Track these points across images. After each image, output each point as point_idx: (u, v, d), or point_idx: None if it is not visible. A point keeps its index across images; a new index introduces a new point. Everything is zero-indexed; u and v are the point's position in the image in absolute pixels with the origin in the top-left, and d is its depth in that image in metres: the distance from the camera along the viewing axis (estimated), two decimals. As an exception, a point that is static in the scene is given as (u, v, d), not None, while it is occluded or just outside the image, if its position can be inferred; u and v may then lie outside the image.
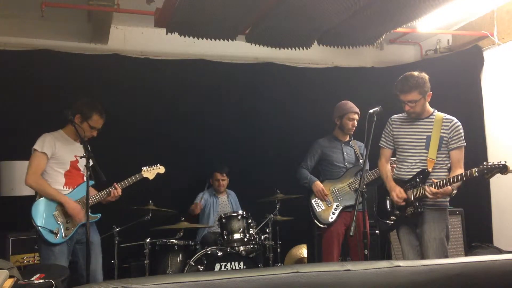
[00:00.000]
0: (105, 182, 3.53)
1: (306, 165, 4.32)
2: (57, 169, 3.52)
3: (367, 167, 4.13)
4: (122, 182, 3.71)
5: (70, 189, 3.55)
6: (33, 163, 3.46)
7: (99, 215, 3.66)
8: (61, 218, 3.45)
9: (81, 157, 3.44)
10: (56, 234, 3.39)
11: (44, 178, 3.49)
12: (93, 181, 3.54)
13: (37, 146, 3.47)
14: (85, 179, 3.59)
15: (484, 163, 3.11)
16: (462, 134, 3.37)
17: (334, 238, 4.09)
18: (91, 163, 3.30)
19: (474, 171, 3.10)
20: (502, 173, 3.07)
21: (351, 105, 4.24)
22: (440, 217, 3.37)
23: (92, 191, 3.62)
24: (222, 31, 3.77)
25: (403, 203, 3.40)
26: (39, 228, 3.36)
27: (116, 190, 3.65)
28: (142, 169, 3.86)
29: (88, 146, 3.43)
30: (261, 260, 4.62)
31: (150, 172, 3.89)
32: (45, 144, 3.47)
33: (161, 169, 3.96)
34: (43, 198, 3.44)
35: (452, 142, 3.36)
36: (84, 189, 3.51)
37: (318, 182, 4.20)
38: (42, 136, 3.52)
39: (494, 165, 3.06)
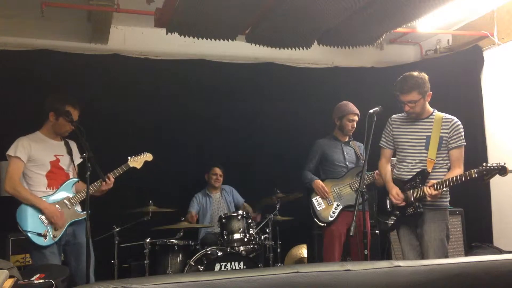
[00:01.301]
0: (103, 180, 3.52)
1: (309, 168, 4.32)
2: (37, 171, 3.44)
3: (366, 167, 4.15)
4: (108, 174, 3.61)
5: (54, 190, 3.48)
6: (8, 169, 3.41)
7: (89, 212, 3.57)
8: (48, 220, 3.38)
9: (81, 157, 3.43)
10: (45, 236, 3.33)
11: (27, 182, 3.43)
12: (77, 178, 3.54)
13: (10, 151, 3.41)
14: (71, 176, 3.59)
15: (484, 165, 3.11)
16: (462, 133, 3.37)
17: (335, 238, 4.09)
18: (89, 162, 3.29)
19: (473, 173, 3.10)
20: (501, 175, 3.06)
21: (351, 106, 4.25)
22: (441, 217, 3.37)
23: (81, 186, 3.58)
24: (222, 31, 3.77)
25: (403, 203, 3.41)
26: (27, 233, 3.30)
27: (108, 179, 3.56)
28: (128, 159, 3.76)
29: (63, 143, 3.42)
30: (261, 260, 4.62)
31: (137, 161, 3.79)
32: (18, 148, 3.40)
33: (148, 157, 3.87)
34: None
35: (452, 141, 3.36)
36: (68, 188, 3.52)
37: (318, 180, 4.20)
38: (16, 140, 3.46)
39: (493, 166, 3.06)
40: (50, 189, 3.47)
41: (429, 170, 3.34)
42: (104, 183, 3.53)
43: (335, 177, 4.23)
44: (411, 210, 3.37)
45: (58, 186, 3.50)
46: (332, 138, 4.34)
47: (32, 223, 3.33)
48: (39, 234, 3.32)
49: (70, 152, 3.62)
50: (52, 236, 3.36)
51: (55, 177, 3.50)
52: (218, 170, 5.09)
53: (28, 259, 4.22)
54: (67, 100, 3.52)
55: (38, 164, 3.45)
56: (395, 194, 3.44)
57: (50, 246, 3.35)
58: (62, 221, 3.41)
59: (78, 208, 3.54)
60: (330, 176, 4.26)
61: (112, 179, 3.60)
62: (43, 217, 3.37)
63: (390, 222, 3.55)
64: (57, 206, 3.43)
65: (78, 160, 3.65)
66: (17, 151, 3.40)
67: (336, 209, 4.13)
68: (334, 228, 4.10)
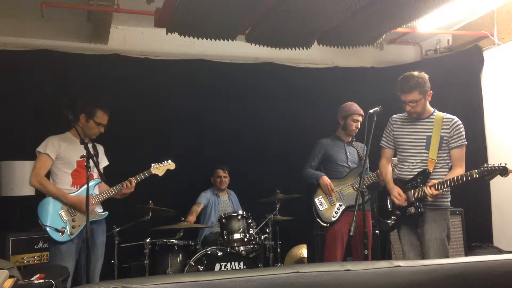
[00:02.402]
0: (105, 182, 3.54)
1: (310, 166, 4.31)
2: (64, 169, 3.57)
3: (367, 166, 4.14)
4: (130, 178, 3.68)
5: (78, 188, 3.59)
6: (36, 165, 3.54)
7: (106, 213, 3.68)
8: (67, 216, 3.48)
9: (81, 157, 3.44)
10: (62, 232, 3.41)
11: (53, 179, 3.55)
12: (100, 179, 3.62)
13: (40, 148, 3.54)
14: (95, 177, 3.65)
15: (485, 165, 3.11)
16: (463, 133, 3.38)
17: (337, 238, 4.08)
18: (91, 163, 3.30)
19: (475, 173, 3.10)
20: (502, 175, 3.06)
21: (356, 106, 4.26)
22: (441, 217, 3.37)
23: (104, 187, 3.66)
24: (222, 31, 3.77)
25: (405, 203, 3.41)
26: (46, 227, 3.39)
27: (130, 183, 3.64)
28: (151, 166, 3.82)
29: (89, 146, 3.43)
30: (261, 260, 4.62)
31: (159, 169, 3.85)
32: (48, 146, 3.53)
33: (171, 165, 3.90)
34: (50, 197, 3.48)
35: (453, 141, 3.37)
36: (91, 187, 3.53)
37: (326, 176, 4.18)
38: (46, 138, 3.58)
39: (495, 167, 3.06)
40: (74, 187, 3.58)
41: (430, 170, 3.34)
42: (125, 184, 3.62)
43: (338, 177, 4.22)
44: (412, 210, 3.37)
45: (81, 185, 3.58)
46: (334, 138, 4.34)
47: (52, 218, 3.43)
48: (56, 230, 3.40)
49: (96, 155, 3.67)
50: (69, 233, 3.44)
51: (80, 176, 3.58)
52: (221, 172, 5.08)
53: (28, 259, 4.24)
54: (98, 103, 3.66)
55: (65, 162, 3.56)
56: (397, 194, 3.44)
57: (66, 243, 3.43)
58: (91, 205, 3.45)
59: (98, 209, 3.64)
60: (332, 176, 4.24)
61: (134, 183, 3.67)
62: (63, 213, 3.46)
63: (390, 222, 3.55)
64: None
65: (104, 163, 3.79)
66: (47, 148, 3.52)
67: (338, 209, 4.12)
68: (337, 228, 4.09)
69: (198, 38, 3.79)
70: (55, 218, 3.44)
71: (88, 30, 5.01)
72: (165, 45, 5.16)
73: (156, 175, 3.83)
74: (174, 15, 3.44)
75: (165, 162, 3.89)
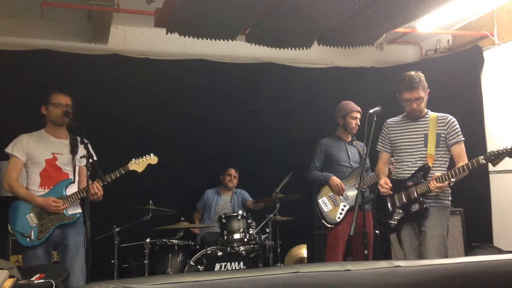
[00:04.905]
0: (102, 180, 3.47)
1: (315, 167, 4.30)
2: (33, 169, 3.41)
3: (368, 166, 4.15)
4: (104, 177, 3.44)
5: (46, 190, 3.41)
6: (7, 167, 3.42)
7: (78, 215, 3.45)
8: (35, 220, 3.33)
9: (81, 157, 3.41)
10: (29, 237, 3.28)
11: (26, 181, 3.42)
12: (72, 179, 3.48)
13: (7, 149, 3.42)
14: (70, 177, 3.51)
15: (490, 151, 3.13)
16: (459, 129, 3.42)
17: (339, 238, 4.07)
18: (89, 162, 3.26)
19: (481, 159, 3.12)
20: (510, 157, 3.06)
21: (353, 104, 4.27)
22: (443, 215, 3.39)
23: (74, 188, 3.49)
24: (222, 31, 3.77)
25: (390, 192, 3.44)
26: (14, 232, 3.29)
27: (95, 186, 3.35)
28: (129, 161, 3.53)
29: (67, 142, 3.43)
30: (261, 260, 4.62)
31: (138, 164, 3.53)
32: (16, 146, 3.40)
33: (153, 160, 3.59)
34: (19, 200, 3.37)
35: (451, 138, 3.40)
36: (60, 189, 3.44)
37: (335, 177, 4.15)
38: (16, 137, 3.45)
39: (502, 150, 3.06)
40: (42, 188, 3.41)
41: (430, 165, 3.36)
42: (91, 188, 3.32)
43: (340, 177, 4.19)
44: (417, 206, 3.37)
45: (50, 186, 3.42)
46: (335, 137, 4.33)
47: (20, 222, 3.31)
48: (22, 235, 3.28)
49: (73, 152, 3.53)
50: (36, 238, 3.30)
51: (49, 176, 3.42)
52: (232, 171, 5.15)
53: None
54: (53, 89, 3.54)
55: (34, 162, 3.42)
56: (383, 183, 3.49)
57: (33, 248, 3.30)
58: (56, 209, 3.33)
59: (69, 211, 3.43)
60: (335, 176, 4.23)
61: (99, 187, 3.38)
62: (30, 217, 3.33)
63: (393, 222, 3.53)
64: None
65: (84, 161, 3.42)
66: (14, 149, 3.41)
67: (343, 210, 4.11)
68: (340, 227, 4.08)
69: (198, 38, 3.78)
70: (23, 222, 3.30)
71: (88, 30, 5.01)
72: (165, 45, 5.16)
73: (135, 171, 3.55)
74: (174, 15, 3.44)
75: (146, 156, 3.60)
